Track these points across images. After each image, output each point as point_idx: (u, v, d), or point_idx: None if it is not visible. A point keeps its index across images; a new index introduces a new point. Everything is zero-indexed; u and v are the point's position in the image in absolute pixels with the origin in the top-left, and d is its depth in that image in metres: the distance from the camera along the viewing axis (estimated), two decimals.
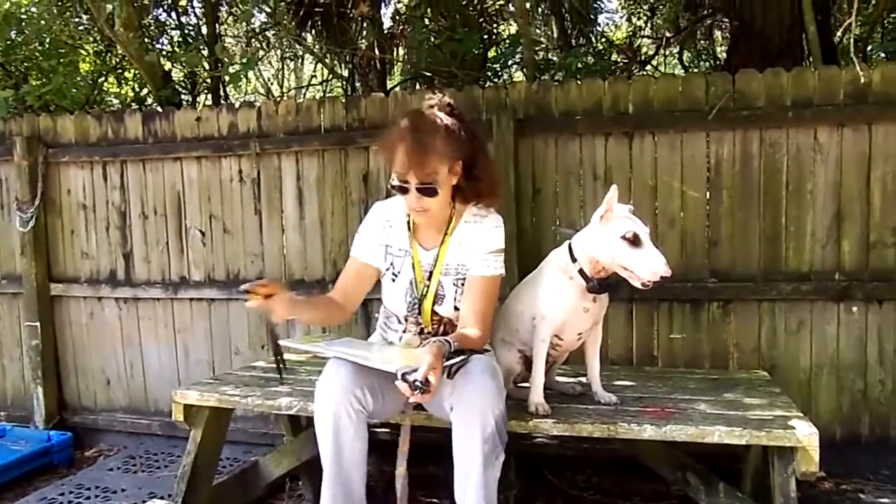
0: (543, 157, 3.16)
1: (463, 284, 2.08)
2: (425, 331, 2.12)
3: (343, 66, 6.07)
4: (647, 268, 1.88)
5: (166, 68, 4.60)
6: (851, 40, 2.43)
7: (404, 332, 2.14)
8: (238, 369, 2.75)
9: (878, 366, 2.95)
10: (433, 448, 2.01)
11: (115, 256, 3.69)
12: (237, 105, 3.56)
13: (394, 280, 2.15)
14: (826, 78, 2.92)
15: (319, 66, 6.44)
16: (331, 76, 6.21)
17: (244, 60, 3.65)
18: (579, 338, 2.11)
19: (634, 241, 1.90)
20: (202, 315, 3.60)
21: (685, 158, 3.05)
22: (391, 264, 2.16)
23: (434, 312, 2.09)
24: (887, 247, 2.91)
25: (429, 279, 2.09)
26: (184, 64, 4.38)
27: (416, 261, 2.12)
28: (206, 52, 4.78)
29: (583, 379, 2.31)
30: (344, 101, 3.39)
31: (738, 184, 3.01)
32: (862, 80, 2.46)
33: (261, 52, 5.92)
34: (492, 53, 5.31)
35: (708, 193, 3.05)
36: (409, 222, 2.15)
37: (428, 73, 4.84)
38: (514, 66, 4.94)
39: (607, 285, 2.00)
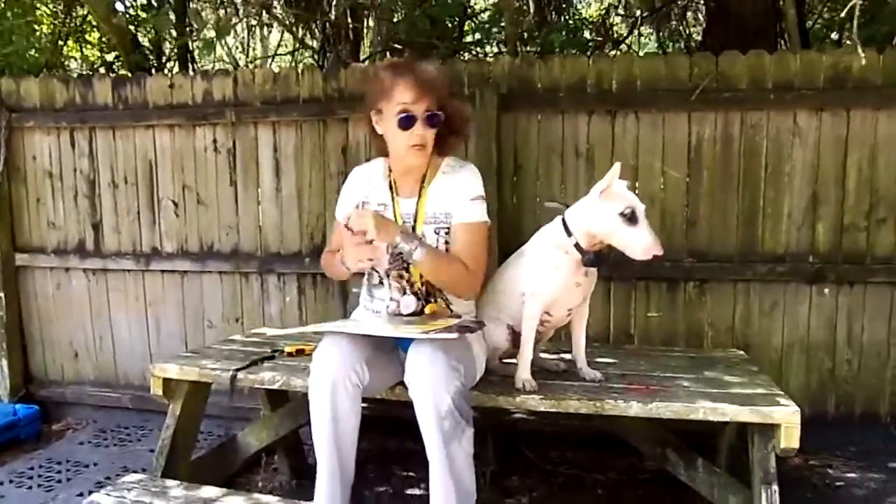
0: (526, 133, 3.14)
1: (446, 233, 2.07)
2: (414, 286, 2.09)
3: (313, 36, 5.95)
4: (641, 246, 1.89)
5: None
6: (854, 25, 2.41)
7: (391, 299, 2.11)
8: (217, 343, 2.70)
9: (846, 346, 3.03)
10: (410, 423, 2.00)
11: (83, 226, 3.59)
12: (212, 72, 3.46)
13: None
14: (807, 62, 2.95)
15: (288, 35, 6.29)
16: (299, 46, 6.08)
17: (218, 27, 3.54)
18: (568, 314, 2.12)
19: (631, 218, 1.91)
20: (174, 287, 3.53)
21: (667, 138, 3.06)
22: None
23: None
24: (860, 230, 2.97)
25: (413, 229, 2.08)
26: (151, 29, 4.22)
27: (396, 212, 2.11)
28: (173, 18, 4.64)
29: (565, 356, 2.33)
30: (323, 70, 3.32)
31: (718, 165, 3.03)
32: (863, 63, 2.49)
33: (233, 20, 5.76)
34: (467, 27, 5.25)
35: (688, 174, 3.07)
36: (390, 178, 2.15)
37: (399, 46, 4.78)
38: (493, 41, 4.87)
39: (601, 258, 2.01)
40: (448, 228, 2.07)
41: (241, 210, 3.42)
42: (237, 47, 7.21)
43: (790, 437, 1.83)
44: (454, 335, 1.79)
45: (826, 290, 3.01)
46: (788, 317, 3.05)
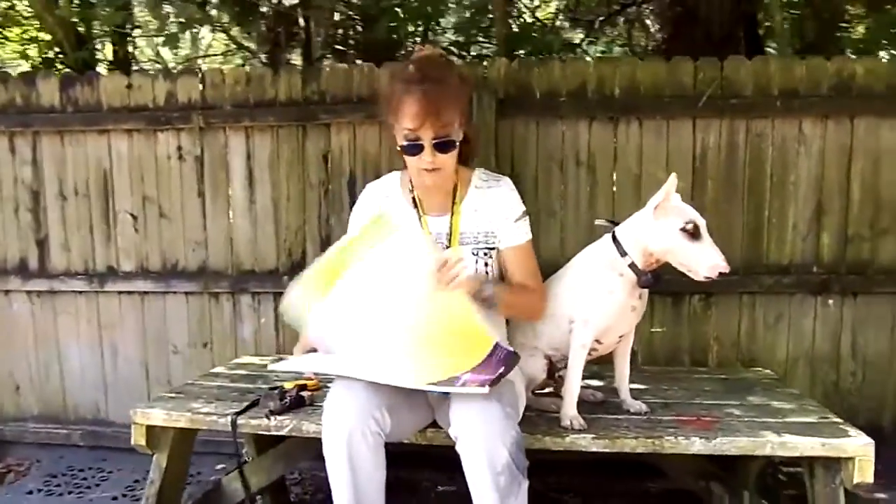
0: (524, 139, 2.96)
1: (486, 255, 1.87)
2: None
3: (260, 37, 5.58)
4: (706, 263, 1.76)
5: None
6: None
7: None
8: (200, 378, 2.40)
9: (851, 358, 2.98)
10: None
11: (26, 243, 3.18)
12: (177, 71, 3.12)
13: None
14: (812, 68, 2.87)
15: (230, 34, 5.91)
16: (236, 47, 5.71)
17: (180, 21, 3.21)
18: (619, 340, 1.95)
19: (694, 233, 1.77)
20: (133, 310, 3.17)
21: (671, 146, 2.93)
22: None
23: None
24: (864, 240, 2.92)
25: (446, 248, 1.86)
26: (98, 23, 3.82)
27: (426, 232, 1.88)
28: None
29: (591, 382, 2.15)
30: (302, 71, 3.04)
31: (722, 174, 2.93)
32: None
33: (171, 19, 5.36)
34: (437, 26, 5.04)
35: (692, 183, 2.96)
36: (413, 194, 1.91)
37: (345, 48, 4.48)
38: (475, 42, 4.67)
39: (658, 278, 1.84)
40: (487, 249, 1.87)
41: (209, 224, 3.10)
42: (175, 48, 6.75)
43: (864, 471, 1.72)
44: (485, 389, 1.57)
45: (830, 302, 2.95)
46: (794, 329, 2.97)
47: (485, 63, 3.05)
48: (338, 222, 3.06)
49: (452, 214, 1.87)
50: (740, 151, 2.92)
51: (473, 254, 1.86)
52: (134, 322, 3.18)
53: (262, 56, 5.41)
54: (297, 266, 3.07)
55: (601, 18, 6.50)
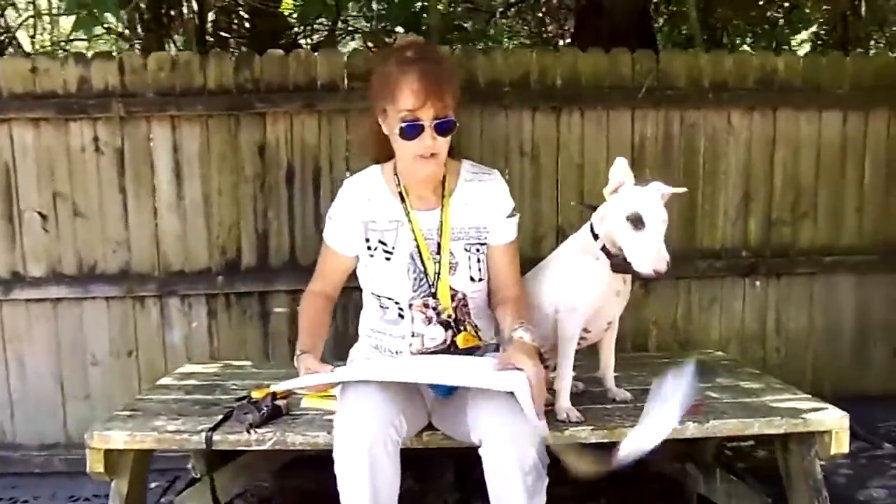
0: (468, 129, 2.91)
1: (478, 250, 1.81)
2: (442, 314, 1.77)
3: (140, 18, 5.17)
4: (642, 257, 1.69)
5: None
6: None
7: (413, 335, 1.78)
8: (149, 392, 2.18)
9: (776, 335, 3.18)
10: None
11: None
12: (90, 55, 2.82)
13: (388, 258, 1.79)
14: (739, 62, 3.03)
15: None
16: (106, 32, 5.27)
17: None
18: (607, 327, 1.95)
19: (637, 222, 1.71)
20: (44, 319, 2.86)
21: (611, 136, 2.99)
22: (379, 241, 1.81)
23: (451, 288, 1.78)
24: (785, 224, 3.11)
25: (437, 247, 1.78)
26: None
27: (415, 228, 1.79)
28: None
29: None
30: (234, 57, 2.84)
31: (660, 163, 3.03)
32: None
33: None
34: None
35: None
36: (400, 190, 1.81)
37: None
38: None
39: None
40: (479, 245, 1.81)
41: (132, 222, 2.84)
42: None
43: (840, 443, 1.82)
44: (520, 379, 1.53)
45: (757, 283, 3.13)
46: (725, 311, 3.13)
47: None
48: (275, 217, 2.90)
49: (442, 208, 1.80)
50: (675, 141, 3.02)
51: (466, 249, 1.80)
52: (45, 332, 2.86)
53: (137, 42, 5.00)
54: (231, 265, 2.89)
55: (501, 10, 6.58)
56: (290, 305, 2.94)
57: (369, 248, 1.79)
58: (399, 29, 4.19)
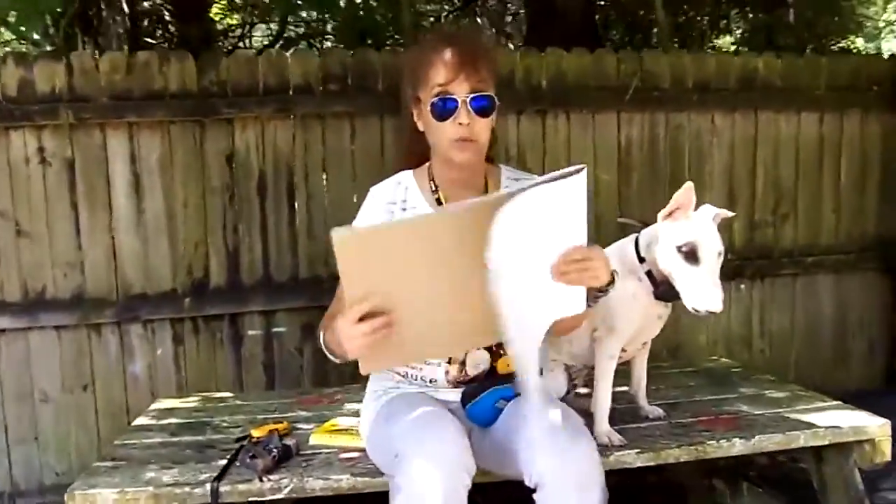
0: None
1: None
2: None
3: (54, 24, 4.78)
4: (695, 294, 1.57)
5: None
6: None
7: (450, 361, 1.59)
8: (128, 436, 1.91)
9: (760, 337, 3.17)
10: None
11: None
12: (32, 56, 2.52)
13: None
14: (721, 63, 3.00)
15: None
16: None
17: None
18: (643, 347, 1.83)
19: (690, 256, 1.58)
20: None
21: (597, 139, 2.91)
22: None
23: None
24: (768, 225, 3.11)
25: None
26: None
27: None
28: None
29: (581, 391, 2.03)
30: (197, 58, 2.59)
31: (646, 166, 2.96)
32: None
33: None
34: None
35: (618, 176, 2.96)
36: (438, 196, 1.60)
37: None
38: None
39: (677, 293, 1.70)
40: None
41: (85, 242, 2.55)
42: None
43: (883, 450, 1.77)
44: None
45: (742, 286, 3.11)
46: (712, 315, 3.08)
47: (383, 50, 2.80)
48: (246, 232, 2.67)
49: None
50: (661, 143, 2.96)
51: None
52: None
53: (48, 47, 4.62)
54: (198, 286, 2.64)
55: (452, 12, 6.47)
56: (264, 328, 2.72)
57: None
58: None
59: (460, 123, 1.46)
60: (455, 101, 1.46)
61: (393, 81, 2.66)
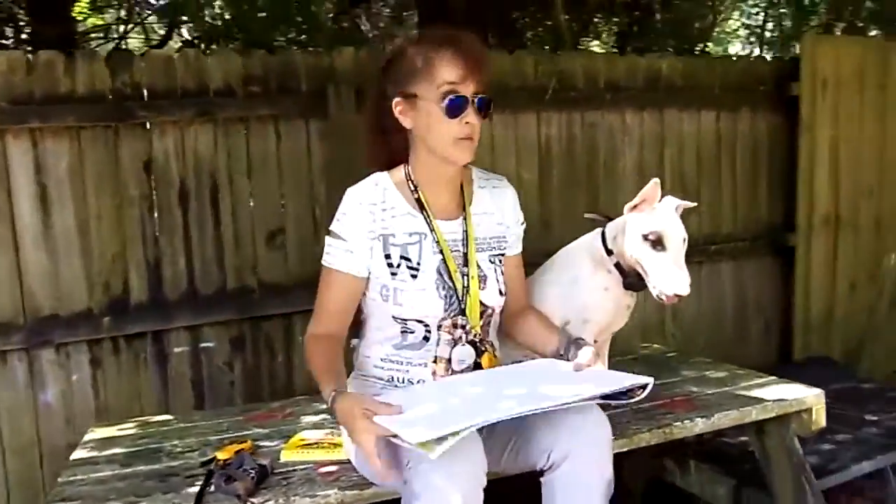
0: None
1: (499, 262, 1.67)
2: (470, 333, 1.59)
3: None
4: (664, 279, 1.65)
5: None
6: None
7: (436, 360, 1.58)
8: (73, 472, 1.74)
9: (672, 322, 3.36)
10: None
11: None
12: None
13: (415, 275, 1.56)
14: (629, 64, 3.16)
15: None
16: None
17: None
18: (608, 339, 1.89)
19: (657, 243, 1.67)
20: None
21: (519, 138, 2.98)
22: (402, 257, 1.56)
23: (481, 303, 1.60)
24: None
25: (464, 259, 1.60)
26: None
27: (441, 239, 1.58)
28: None
29: None
30: (107, 58, 2.41)
31: (564, 164, 3.07)
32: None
33: None
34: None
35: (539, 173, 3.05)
36: (417, 197, 1.59)
37: None
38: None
39: (644, 283, 1.78)
40: (500, 256, 1.67)
41: None
42: None
43: (819, 418, 1.93)
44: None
45: None
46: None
47: (331, 54, 2.72)
48: (168, 243, 2.51)
49: (465, 217, 1.62)
50: (578, 142, 3.08)
51: (491, 261, 1.64)
52: None
53: None
54: (117, 303, 2.46)
55: (338, 14, 6.37)
56: (191, 344, 2.57)
57: (391, 265, 1.55)
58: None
59: (467, 122, 1.49)
60: (466, 99, 1.48)
61: (318, 83, 2.60)
